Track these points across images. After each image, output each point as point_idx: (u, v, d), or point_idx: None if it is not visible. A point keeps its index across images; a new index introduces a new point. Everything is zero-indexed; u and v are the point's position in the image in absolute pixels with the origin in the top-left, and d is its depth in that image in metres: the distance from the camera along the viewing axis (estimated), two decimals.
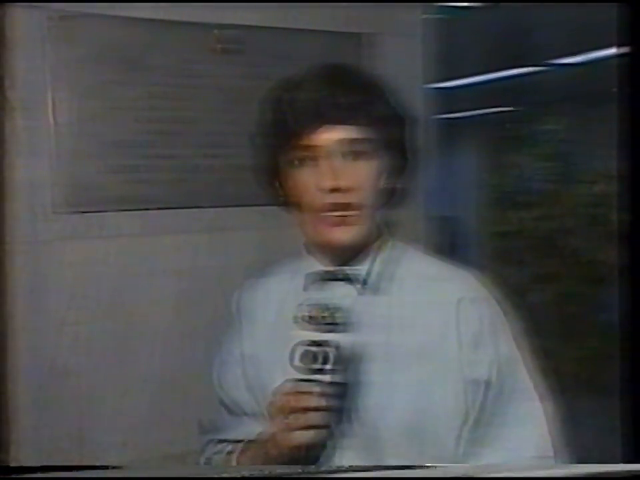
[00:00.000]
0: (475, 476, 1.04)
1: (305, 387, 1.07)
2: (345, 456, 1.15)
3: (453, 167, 7.67)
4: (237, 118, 1.91)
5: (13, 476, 1.02)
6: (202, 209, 1.91)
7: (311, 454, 1.12)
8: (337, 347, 1.08)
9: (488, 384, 1.17)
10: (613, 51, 4.13)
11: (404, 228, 1.31)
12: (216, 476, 1.11)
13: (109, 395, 1.80)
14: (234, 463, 1.24)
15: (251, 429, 1.23)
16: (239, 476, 1.05)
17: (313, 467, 1.14)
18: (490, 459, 1.16)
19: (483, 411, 1.17)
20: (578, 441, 1.23)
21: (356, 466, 1.10)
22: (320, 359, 1.07)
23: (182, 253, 1.90)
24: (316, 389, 1.07)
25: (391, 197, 1.24)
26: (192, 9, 1.84)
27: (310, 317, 1.09)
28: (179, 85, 1.86)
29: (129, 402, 1.82)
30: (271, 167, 1.25)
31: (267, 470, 1.07)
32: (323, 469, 1.11)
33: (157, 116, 1.84)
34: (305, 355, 1.07)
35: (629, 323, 1.26)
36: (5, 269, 1.69)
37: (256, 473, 1.04)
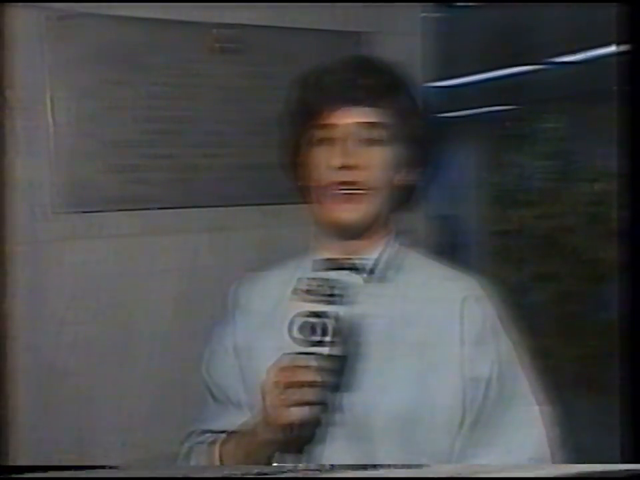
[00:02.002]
0: (473, 476, 1.04)
1: (302, 360, 1.07)
2: (335, 439, 1.16)
3: (453, 166, 7.66)
4: (236, 117, 1.91)
5: (12, 475, 1.02)
6: (202, 209, 1.91)
7: (302, 434, 1.11)
8: (336, 319, 1.09)
9: (488, 383, 1.18)
10: (612, 48, 4.12)
11: (404, 227, 1.32)
12: (215, 475, 1.11)
13: (109, 394, 1.80)
14: (216, 454, 1.24)
15: (235, 419, 1.24)
16: (237, 475, 1.05)
17: (302, 451, 1.14)
18: (486, 460, 1.17)
19: (482, 411, 1.18)
20: (577, 440, 1.24)
21: (350, 465, 1.09)
22: (319, 330, 1.08)
23: (182, 253, 1.90)
24: (313, 362, 1.07)
25: (406, 196, 1.27)
26: (190, 9, 1.84)
27: (309, 290, 1.10)
28: (178, 85, 1.85)
29: (128, 402, 1.82)
30: (292, 146, 1.28)
31: (265, 470, 1.07)
32: (316, 467, 1.11)
33: (155, 115, 1.83)
34: (303, 326, 1.08)
35: (629, 321, 1.26)
36: (5, 269, 1.69)
37: (254, 473, 1.04)
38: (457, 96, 5.74)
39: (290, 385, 1.07)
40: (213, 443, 1.26)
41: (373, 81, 1.20)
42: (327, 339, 1.08)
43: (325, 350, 1.08)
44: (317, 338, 1.08)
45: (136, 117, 1.82)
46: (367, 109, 1.20)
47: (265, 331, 1.24)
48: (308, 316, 1.08)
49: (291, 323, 1.08)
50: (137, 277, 1.84)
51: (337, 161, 1.18)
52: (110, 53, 1.78)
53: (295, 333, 1.08)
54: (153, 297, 1.86)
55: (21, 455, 1.68)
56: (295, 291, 1.11)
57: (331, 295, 1.10)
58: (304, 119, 1.24)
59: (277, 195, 1.90)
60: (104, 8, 1.76)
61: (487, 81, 5.87)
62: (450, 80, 5.55)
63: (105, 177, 1.79)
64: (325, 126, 1.21)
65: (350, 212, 1.20)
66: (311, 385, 1.07)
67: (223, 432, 1.26)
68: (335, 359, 1.10)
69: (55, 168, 1.74)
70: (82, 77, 1.76)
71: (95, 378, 1.79)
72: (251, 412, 1.20)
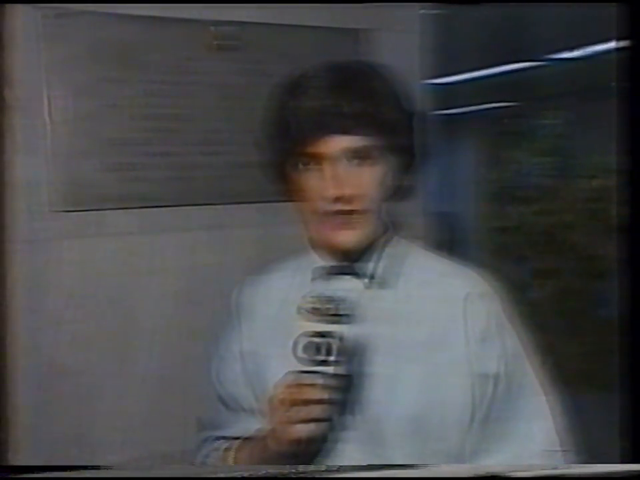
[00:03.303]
0: (476, 476, 1.04)
1: (308, 378, 1.07)
2: (346, 450, 1.15)
3: (451, 163, 7.67)
4: (233, 115, 1.91)
5: (12, 475, 1.02)
6: (200, 207, 1.91)
7: (311, 448, 1.11)
8: (341, 339, 1.07)
9: (496, 378, 1.18)
10: (611, 45, 4.13)
11: (403, 224, 1.31)
12: (215, 476, 1.10)
13: (108, 393, 1.80)
14: (231, 460, 1.24)
15: (249, 425, 1.23)
16: (238, 476, 1.04)
17: (313, 462, 1.13)
18: (500, 454, 1.18)
19: (492, 406, 1.18)
20: (579, 437, 1.23)
21: (356, 466, 1.09)
22: (323, 350, 1.07)
23: (180, 251, 1.89)
24: (319, 380, 1.06)
25: (396, 193, 1.24)
26: (188, 6, 1.84)
27: (314, 309, 1.08)
28: (176, 82, 1.85)
29: (127, 400, 1.82)
30: (275, 167, 1.24)
31: (266, 470, 1.07)
32: (322, 468, 1.11)
33: (153, 113, 1.83)
34: (308, 346, 1.07)
35: (629, 318, 1.26)
36: (3, 268, 1.69)
37: (255, 473, 1.04)
38: (455, 93, 5.75)
39: (295, 403, 1.06)
40: (228, 449, 1.26)
41: (356, 106, 1.13)
42: (332, 358, 1.07)
43: (329, 369, 1.07)
44: (322, 357, 1.07)
45: (133, 115, 1.81)
46: (353, 135, 1.13)
47: (270, 336, 1.23)
48: (312, 336, 1.07)
49: (295, 343, 1.07)
50: (135, 275, 1.84)
51: (331, 192, 1.14)
52: (107, 51, 1.78)
53: (300, 353, 1.07)
54: (152, 295, 1.85)
55: (21, 455, 1.68)
56: (299, 310, 1.09)
57: (336, 315, 1.08)
58: (286, 144, 1.17)
59: (274, 193, 1.90)
60: (101, 6, 1.76)
61: (485, 78, 5.88)
62: (448, 77, 5.56)
63: (103, 175, 1.79)
64: (309, 154, 1.15)
65: (348, 236, 1.17)
66: (317, 402, 1.06)
67: (237, 438, 1.26)
68: (340, 377, 1.09)
69: (53, 166, 1.74)
70: (79, 75, 1.76)
71: (94, 376, 1.79)
72: (262, 418, 1.18)
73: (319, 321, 1.08)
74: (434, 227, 2.20)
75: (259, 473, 1.04)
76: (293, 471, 1.06)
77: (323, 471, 1.08)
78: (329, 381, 1.07)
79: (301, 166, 1.17)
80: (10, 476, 1.02)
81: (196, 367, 1.84)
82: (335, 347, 1.07)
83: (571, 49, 4.99)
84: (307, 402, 1.06)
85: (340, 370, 1.08)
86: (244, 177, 1.93)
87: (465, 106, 7.05)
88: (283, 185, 1.25)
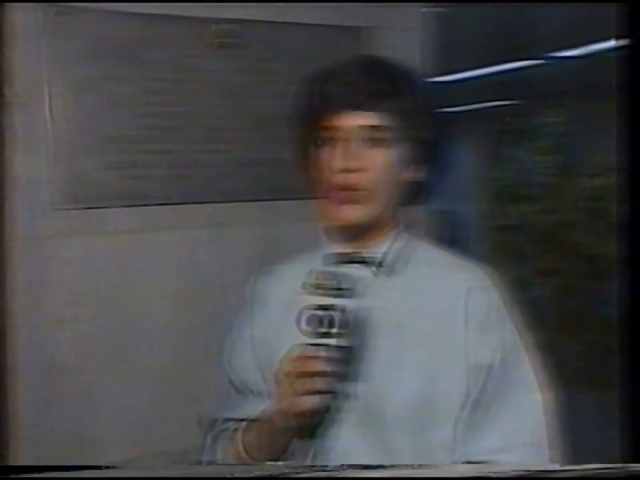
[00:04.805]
0: (475, 476, 1.04)
1: (312, 351, 1.12)
2: (348, 424, 1.21)
3: (452, 161, 7.66)
4: (235, 113, 1.91)
5: (12, 475, 1.02)
6: (201, 205, 1.91)
7: (314, 421, 1.16)
8: (342, 311, 1.13)
9: (490, 368, 1.22)
10: (612, 43, 4.12)
11: (412, 219, 1.34)
12: (216, 476, 1.11)
13: (109, 391, 1.80)
14: (239, 441, 1.28)
15: (257, 408, 1.28)
16: (239, 476, 1.05)
17: (315, 437, 1.18)
18: (485, 442, 1.21)
19: (483, 394, 1.22)
20: (577, 437, 1.24)
21: (358, 465, 1.10)
22: (326, 323, 1.12)
23: (181, 249, 1.89)
24: (322, 353, 1.11)
25: (415, 192, 1.30)
26: (189, 4, 1.84)
27: (317, 284, 1.14)
28: (177, 80, 1.85)
29: (128, 398, 1.82)
30: (300, 146, 1.32)
31: (267, 470, 1.08)
32: (323, 468, 1.12)
33: (154, 111, 1.83)
34: (311, 319, 1.12)
35: (629, 316, 1.26)
36: (4, 265, 1.69)
37: (256, 473, 1.04)
38: (456, 91, 5.74)
39: (300, 375, 1.12)
40: (236, 430, 1.30)
41: (374, 86, 1.22)
42: (334, 330, 1.12)
43: (332, 341, 1.12)
44: (324, 330, 1.12)
45: (134, 112, 1.81)
46: (369, 112, 1.21)
47: (281, 323, 1.28)
48: (315, 309, 1.12)
49: (299, 316, 1.13)
50: (135, 273, 1.83)
51: (338, 164, 1.21)
52: (108, 49, 1.78)
53: (303, 326, 1.12)
54: (152, 293, 1.85)
55: (21, 454, 1.68)
56: (303, 285, 1.15)
57: (338, 289, 1.14)
58: (309, 121, 1.27)
59: (275, 191, 1.90)
60: (102, 3, 1.76)
61: (486, 76, 5.88)
62: (450, 75, 5.55)
63: (104, 172, 1.79)
64: (328, 128, 1.23)
65: (350, 212, 1.23)
66: (321, 374, 1.11)
67: (244, 420, 1.30)
68: (342, 349, 1.13)
69: (54, 164, 1.73)
70: (80, 73, 1.75)
71: (95, 374, 1.79)
72: (270, 400, 1.24)
73: (322, 295, 1.13)
74: (435, 225, 2.20)
75: (260, 473, 1.05)
76: (294, 471, 1.07)
77: (323, 470, 1.10)
78: (332, 352, 1.12)
79: (319, 142, 1.25)
80: (10, 476, 1.02)
81: (196, 365, 1.85)
82: (337, 320, 1.12)
83: (572, 47, 4.98)
84: (312, 374, 1.11)
85: (342, 342, 1.13)
86: (245, 175, 1.93)
87: (466, 104, 7.04)
88: (304, 167, 1.31)
